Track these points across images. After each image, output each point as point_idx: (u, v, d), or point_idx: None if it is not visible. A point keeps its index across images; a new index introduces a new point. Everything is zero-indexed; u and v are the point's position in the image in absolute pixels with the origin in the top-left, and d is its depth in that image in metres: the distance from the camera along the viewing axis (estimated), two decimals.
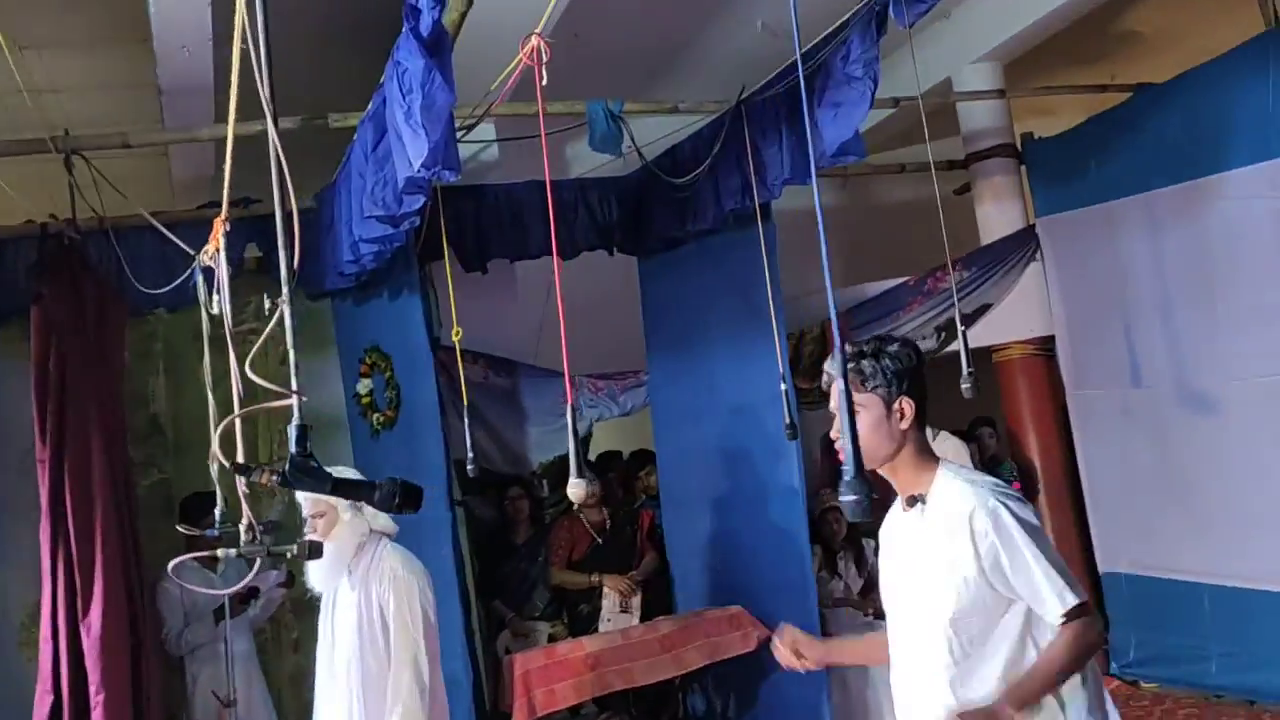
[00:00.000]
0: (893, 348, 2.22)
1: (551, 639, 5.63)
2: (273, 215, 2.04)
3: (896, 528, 2.30)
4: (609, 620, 5.65)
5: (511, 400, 6.37)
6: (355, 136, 4.14)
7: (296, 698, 5.15)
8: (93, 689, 4.15)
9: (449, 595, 4.61)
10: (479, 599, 5.67)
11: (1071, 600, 2.06)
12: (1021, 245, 6.77)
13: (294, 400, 2.00)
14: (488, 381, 6.22)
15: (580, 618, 5.76)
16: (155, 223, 4.42)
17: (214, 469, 3.39)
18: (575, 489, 2.21)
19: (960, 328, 2.76)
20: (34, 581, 4.52)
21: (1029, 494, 6.73)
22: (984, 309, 6.74)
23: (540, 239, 5.70)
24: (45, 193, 4.74)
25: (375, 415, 5.39)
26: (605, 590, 5.72)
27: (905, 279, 6.72)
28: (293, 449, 2.01)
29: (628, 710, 5.34)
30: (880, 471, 2.26)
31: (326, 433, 5.70)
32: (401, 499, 2.20)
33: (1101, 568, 6.49)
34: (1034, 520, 2.12)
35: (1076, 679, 2.10)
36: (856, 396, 2.21)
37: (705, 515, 5.85)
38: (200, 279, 3.37)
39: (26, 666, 4.66)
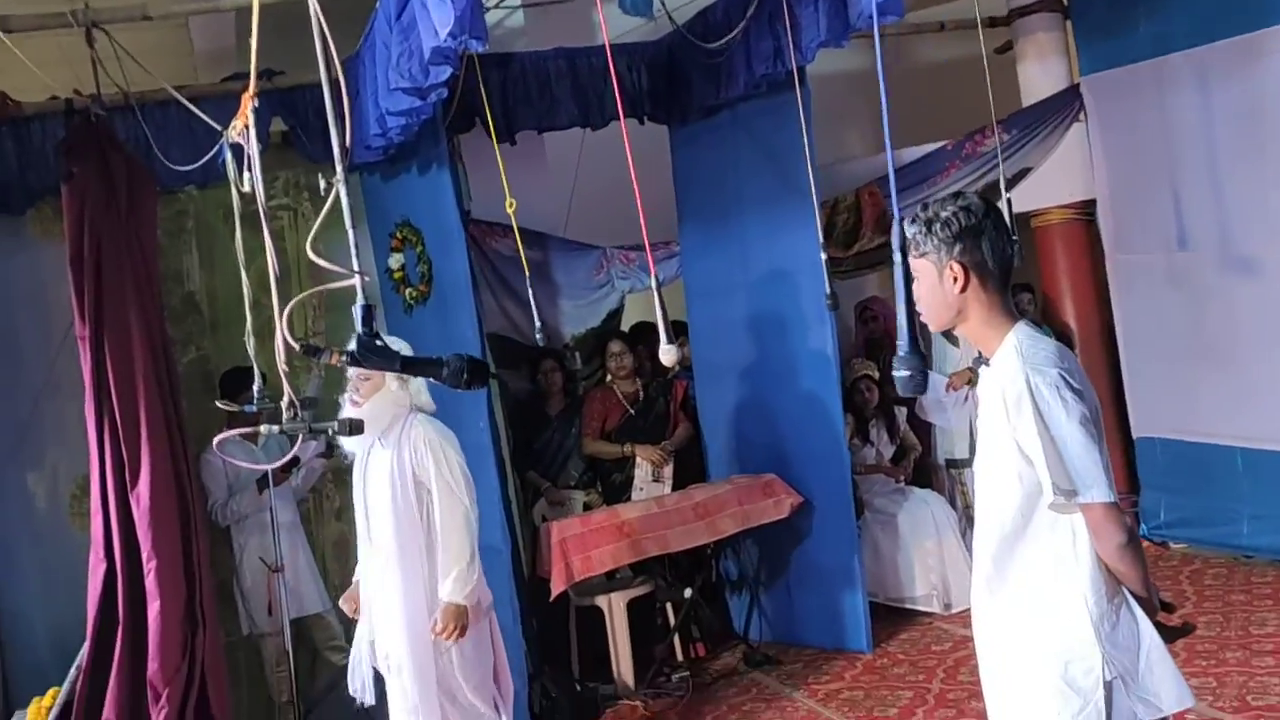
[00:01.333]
0: (946, 211, 2.14)
1: (586, 507, 5.74)
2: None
3: (979, 386, 2.29)
4: (641, 489, 5.75)
5: (543, 273, 6.36)
6: (378, 4, 4.02)
7: (340, 564, 5.31)
8: (144, 557, 4.29)
9: (486, 466, 4.68)
10: (514, 470, 5.77)
11: (1053, 494, 2.00)
12: (1065, 106, 6.56)
13: (356, 280, 2.00)
14: (517, 256, 6.18)
15: (614, 487, 5.85)
16: (180, 98, 4.37)
17: (251, 346, 3.43)
18: (667, 355, 2.22)
19: (1005, 195, 2.68)
20: (82, 455, 4.64)
21: None
22: (1024, 173, 6.58)
23: (569, 109, 5.59)
24: (69, 69, 4.68)
25: (408, 290, 5.39)
26: (638, 460, 5.80)
27: (943, 143, 6.56)
28: (359, 329, 2.02)
29: (662, 575, 5.47)
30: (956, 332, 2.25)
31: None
32: (470, 375, 2.23)
33: (1136, 433, 6.49)
34: (1059, 407, 2.00)
35: (1088, 569, 2.06)
36: (914, 262, 2.20)
37: (738, 385, 5.88)
38: (229, 155, 3.33)
39: (79, 536, 4.82)
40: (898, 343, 2.21)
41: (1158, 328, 6.27)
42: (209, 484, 5.05)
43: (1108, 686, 2.02)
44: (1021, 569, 2.12)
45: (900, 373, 2.06)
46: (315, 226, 2.15)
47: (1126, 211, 6.40)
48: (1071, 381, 2.04)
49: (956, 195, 2.19)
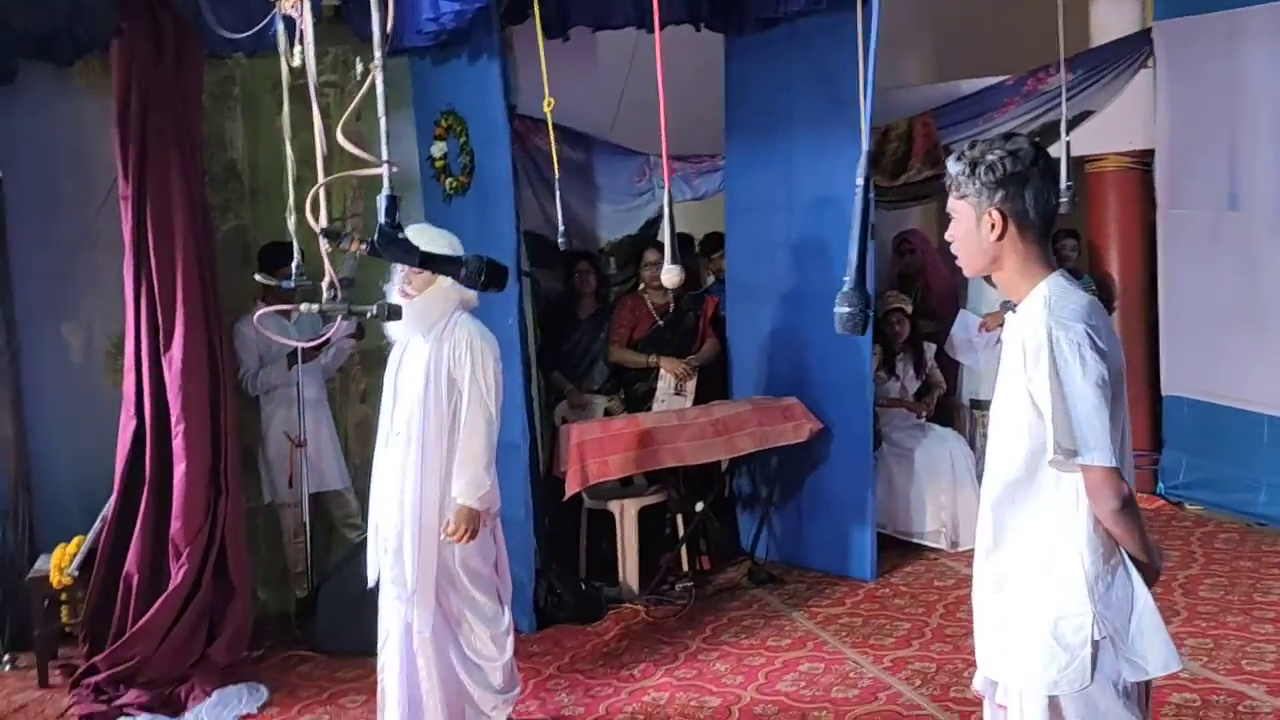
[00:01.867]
0: (993, 155, 2.07)
1: (608, 413, 5.79)
2: None
3: (1005, 332, 2.26)
4: (663, 401, 5.77)
5: (584, 175, 6.30)
6: None
7: (362, 445, 5.39)
8: (173, 419, 4.37)
9: (511, 364, 4.70)
10: (539, 369, 5.80)
11: (1054, 452, 1.98)
12: (1134, 50, 6.37)
13: (384, 170, 1.98)
14: (562, 155, 6.10)
15: (636, 396, 5.89)
16: None
17: (291, 222, 3.42)
18: (670, 275, 2.19)
19: (1065, 138, 2.61)
20: (118, 312, 4.70)
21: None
22: (1084, 115, 6.43)
23: (625, 9, 5.48)
24: None
25: (449, 180, 5.37)
26: (661, 372, 5.82)
27: (1004, 78, 6.39)
28: (381, 220, 2.01)
29: (675, 487, 5.53)
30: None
31: (399, 195, 5.71)
32: (488, 277, 2.21)
33: (1165, 390, 6.45)
34: (1075, 365, 1.97)
35: (1086, 528, 2.05)
36: (953, 202, 2.15)
37: (769, 306, 5.85)
38: (280, 26, 3.29)
39: (111, 393, 4.91)
40: (844, 277, 2.09)
41: (1201, 287, 6.18)
42: (241, 353, 5.12)
43: (1095, 645, 2.02)
44: (1023, 520, 2.11)
45: (840, 309, 1.99)
46: (348, 112, 2.13)
47: (1183, 165, 6.26)
48: (1096, 340, 2.00)
49: (1007, 137, 2.12)
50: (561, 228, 3.76)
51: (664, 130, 2.38)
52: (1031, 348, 2.03)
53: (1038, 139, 6.70)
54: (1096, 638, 2.02)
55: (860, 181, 1.97)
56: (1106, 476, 1.98)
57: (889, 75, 7.21)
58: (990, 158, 2.08)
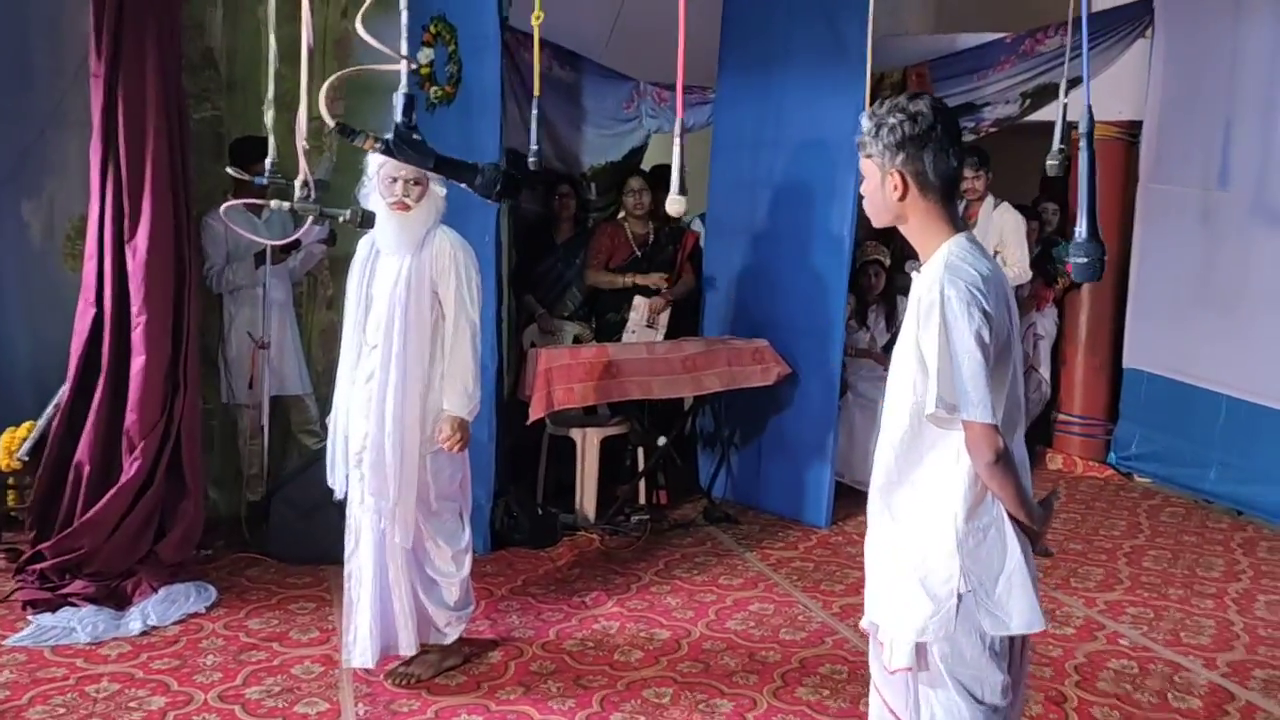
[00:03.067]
0: (893, 118, 2.11)
1: (577, 340, 5.75)
2: None
3: (911, 292, 2.27)
4: (634, 333, 5.74)
5: (572, 97, 6.18)
6: None
7: (325, 352, 5.31)
8: (134, 310, 4.25)
9: (485, 283, 4.63)
10: (511, 291, 5.73)
11: (933, 406, 2.02)
12: (1134, 18, 6.32)
13: (402, 66, 1.90)
14: (550, 73, 5.99)
15: (607, 325, 5.85)
16: None
17: (268, 117, 3.30)
18: (674, 204, 2.14)
19: (1063, 100, 2.56)
20: (82, 195, 4.55)
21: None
22: (1076, 82, 6.35)
23: None
24: None
25: (434, 89, 5.22)
26: (634, 302, 5.77)
27: (1002, 35, 6.32)
28: (398, 118, 1.93)
29: (639, 420, 5.52)
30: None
31: (381, 99, 5.55)
32: (503, 187, 2.16)
33: (1126, 363, 6.53)
34: (964, 326, 2.00)
35: (963, 484, 2.10)
36: (861, 161, 2.20)
37: (747, 246, 5.80)
38: None
39: (69, 277, 4.79)
40: (1074, 228, 2.18)
41: (1173, 263, 6.21)
42: (208, 248, 4.99)
43: (960, 597, 2.10)
44: (905, 473, 2.17)
45: (1078, 259, 2.01)
46: (368, 2, 2.03)
47: (1171, 140, 6.25)
48: (984, 301, 2.03)
49: (914, 98, 2.14)
50: (534, 146, 3.46)
51: (681, 60, 2.30)
52: (925, 305, 2.07)
53: (1029, 100, 6.67)
54: (962, 590, 2.10)
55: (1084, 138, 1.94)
56: (984, 432, 2.02)
57: (888, 23, 7.10)
58: (891, 120, 2.12)
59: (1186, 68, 6.14)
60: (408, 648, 3.54)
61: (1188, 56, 6.14)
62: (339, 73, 2.21)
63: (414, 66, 1.92)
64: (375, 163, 3.43)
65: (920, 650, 2.16)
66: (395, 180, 3.38)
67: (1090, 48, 6.31)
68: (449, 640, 3.63)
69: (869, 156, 2.17)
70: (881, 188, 2.16)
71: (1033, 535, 2.18)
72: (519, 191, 2.22)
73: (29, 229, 5.15)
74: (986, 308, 2.03)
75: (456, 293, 3.43)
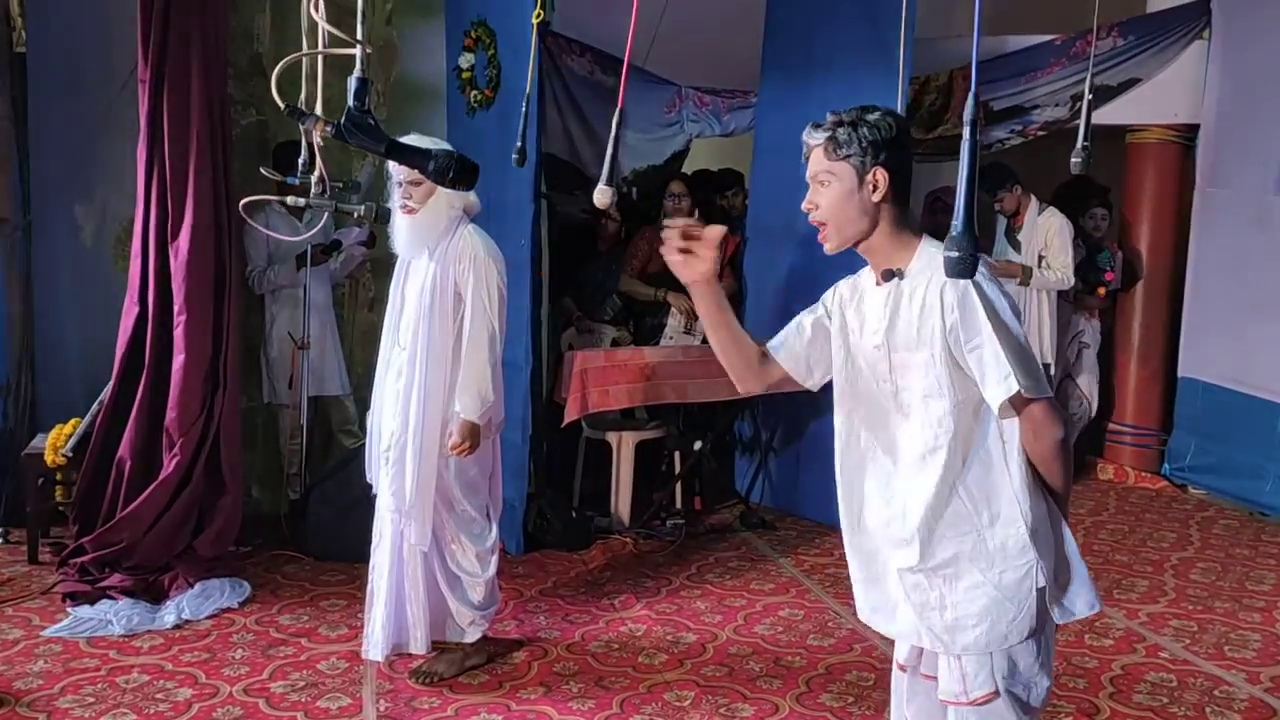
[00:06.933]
0: (873, 116, 2.05)
1: (615, 343, 5.74)
2: None
3: (868, 303, 2.16)
4: (671, 339, 5.71)
5: (613, 102, 6.17)
6: None
7: (366, 353, 5.38)
8: (176, 309, 4.35)
9: (521, 284, 4.66)
10: (550, 293, 5.74)
11: (1016, 386, 1.91)
12: (1191, 19, 6.16)
13: (357, 51, 1.91)
14: (593, 77, 6.02)
15: (646, 329, 5.83)
16: None
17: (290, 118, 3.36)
18: (601, 195, 2.07)
19: (1088, 95, 2.49)
20: (131, 198, 4.65)
21: (1125, 285, 6.51)
22: (1131, 83, 6.24)
23: None
24: None
25: (474, 93, 5.28)
26: (672, 309, 5.75)
27: (1051, 37, 6.21)
28: (350, 102, 1.94)
29: (676, 424, 5.50)
30: (858, 250, 2.12)
31: (424, 104, 5.64)
32: (456, 174, 2.15)
33: (1181, 371, 6.35)
34: (1004, 304, 1.96)
35: (1020, 475, 2.01)
36: (829, 165, 2.07)
37: (788, 250, 5.75)
38: None
39: (119, 278, 4.90)
40: (953, 221, 2.06)
41: (1231, 269, 6.04)
42: (250, 250, 5.09)
43: (1040, 592, 2.01)
44: (948, 484, 2.03)
45: (950, 253, 1.94)
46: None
47: (1228, 143, 6.08)
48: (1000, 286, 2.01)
49: (870, 107, 2.08)
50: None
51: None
52: (951, 301, 1.97)
53: (1078, 103, 6.52)
54: (1040, 584, 2.02)
55: (967, 126, 1.85)
56: (1050, 407, 1.96)
57: (937, 25, 7.01)
58: (871, 118, 2.05)
59: (1244, 69, 5.98)
60: (419, 646, 3.56)
61: (1245, 58, 5.97)
62: (289, 57, 2.22)
63: (368, 51, 1.92)
64: (389, 166, 3.47)
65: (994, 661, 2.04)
66: (399, 185, 3.43)
67: (1146, 48, 6.23)
68: (468, 638, 3.64)
69: (845, 158, 2.05)
70: (859, 190, 2.05)
71: (1067, 516, 2.10)
72: (474, 179, 2.20)
73: (81, 231, 5.30)
74: (996, 283, 1.99)
75: (475, 294, 3.44)
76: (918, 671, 2.23)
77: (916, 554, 2.07)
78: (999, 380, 1.93)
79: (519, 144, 2.89)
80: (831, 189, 2.08)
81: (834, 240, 2.11)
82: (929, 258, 2.04)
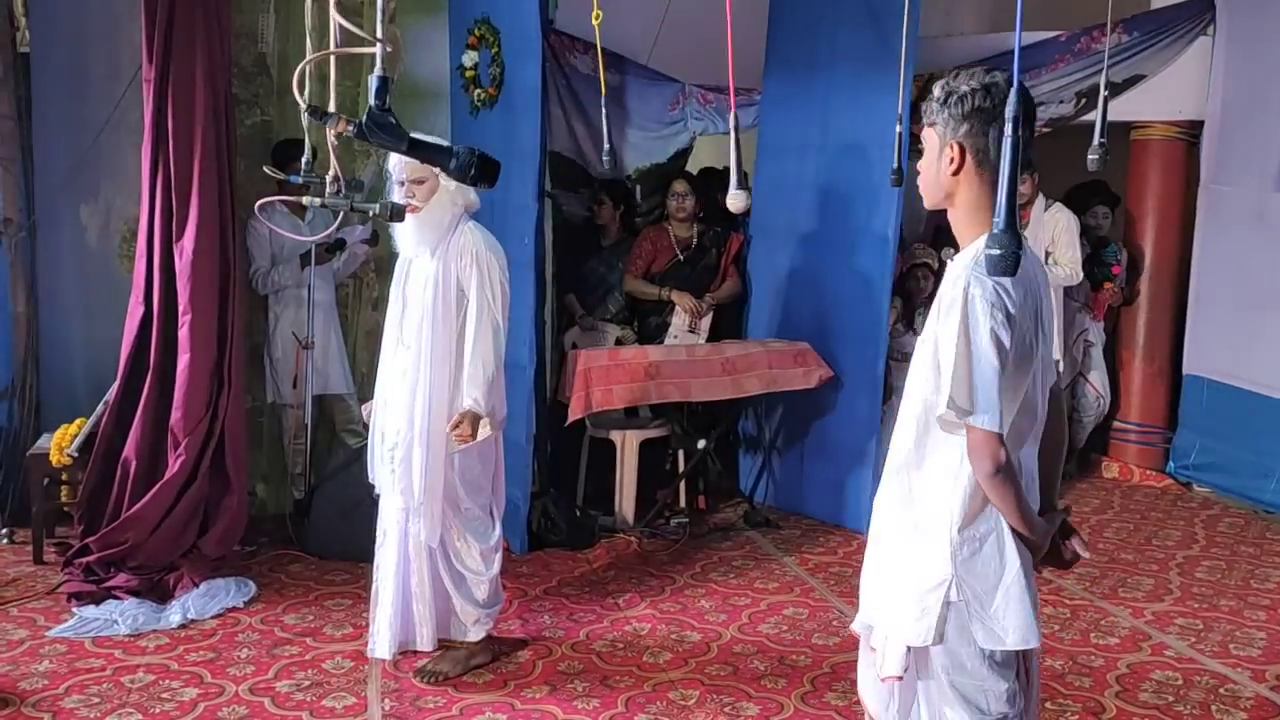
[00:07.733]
0: (966, 86, 1.99)
1: (619, 342, 5.74)
2: None
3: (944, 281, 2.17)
4: (675, 338, 5.71)
5: (616, 99, 6.18)
6: None
7: (370, 352, 5.39)
8: (180, 308, 4.36)
9: (524, 283, 4.66)
10: (554, 292, 5.75)
11: (944, 406, 1.90)
12: (1195, 15, 6.14)
13: (377, 49, 1.89)
14: (595, 75, 6.01)
15: (649, 328, 5.82)
16: None
17: (305, 117, 3.36)
18: (736, 200, 2.11)
19: (1103, 93, 2.48)
20: (136, 198, 4.68)
21: (1130, 280, 6.49)
22: (1135, 80, 6.23)
23: None
24: None
25: (477, 91, 5.28)
26: (676, 308, 5.74)
27: (1057, 33, 6.19)
28: (371, 101, 1.93)
29: (680, 423, 5.49)
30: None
31: (427, 103, 5.63)
32: (478, 171, 2.14)
33: (1186, 369, 6.33)
34: (987, 326, 1.89)
35: (963, 491, 2.00)
36: (925, 130, 2.07)
37: (791, 249, 5.75)
38: None
39: (124, 277, 4.91)
40: (994, 219, 2.02)
41: (1236, 267, 6.03)
42: (253, 250, 5.09)
43: (947, 606, 2.01)
44: (909, 475, 2.08)
45: (992, 250, 1.90)
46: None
47: (1233, 141, 6.06)
48: (1009, 304, 1.92)
49: (988, 71, 2.02)
50: (607, 145, 3.44)
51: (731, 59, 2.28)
52: (946, 301, 1.96)
53: (1084, 99, 6.51)
54: (952, 599, 2.01)
55: (1009, 121, 1.81)
56: (987, 439, 1.91)
57: (942, 23, 7.01)
58: (963, 89, 2.00)
59: (1249, 66, 5.96)
60: (426, 644, 3.57)
61: (1250, 54, 5.95)
62: (312, 56, 2.21)
63: (389, 50, 1.91)
64: (388, 166, 3.48)
65: (921, 658, 2.08)
66: (401, 184, 3.43)
67: (1150, 44, 6.21)
68: (472, 637, 3.65)
69: (932, 125, 2.05)
70: (938, 159, 2.04)
71: (1033, 548, 2.06)
72: (495, 177, 2.19)
73: (86, 231, 5.31)
74: (1010, 310, 1.91)
75: (478, 290, 3.45)
76: (868, 643, 2.22)
77: (878, 517, 2.17)
78: (940, 393, 1.94)
79: (607, 146, 2.94)
80: (924, 155, 2.09)
81: (926, 202, 2.13)
82: (974, 249, 1.98)
